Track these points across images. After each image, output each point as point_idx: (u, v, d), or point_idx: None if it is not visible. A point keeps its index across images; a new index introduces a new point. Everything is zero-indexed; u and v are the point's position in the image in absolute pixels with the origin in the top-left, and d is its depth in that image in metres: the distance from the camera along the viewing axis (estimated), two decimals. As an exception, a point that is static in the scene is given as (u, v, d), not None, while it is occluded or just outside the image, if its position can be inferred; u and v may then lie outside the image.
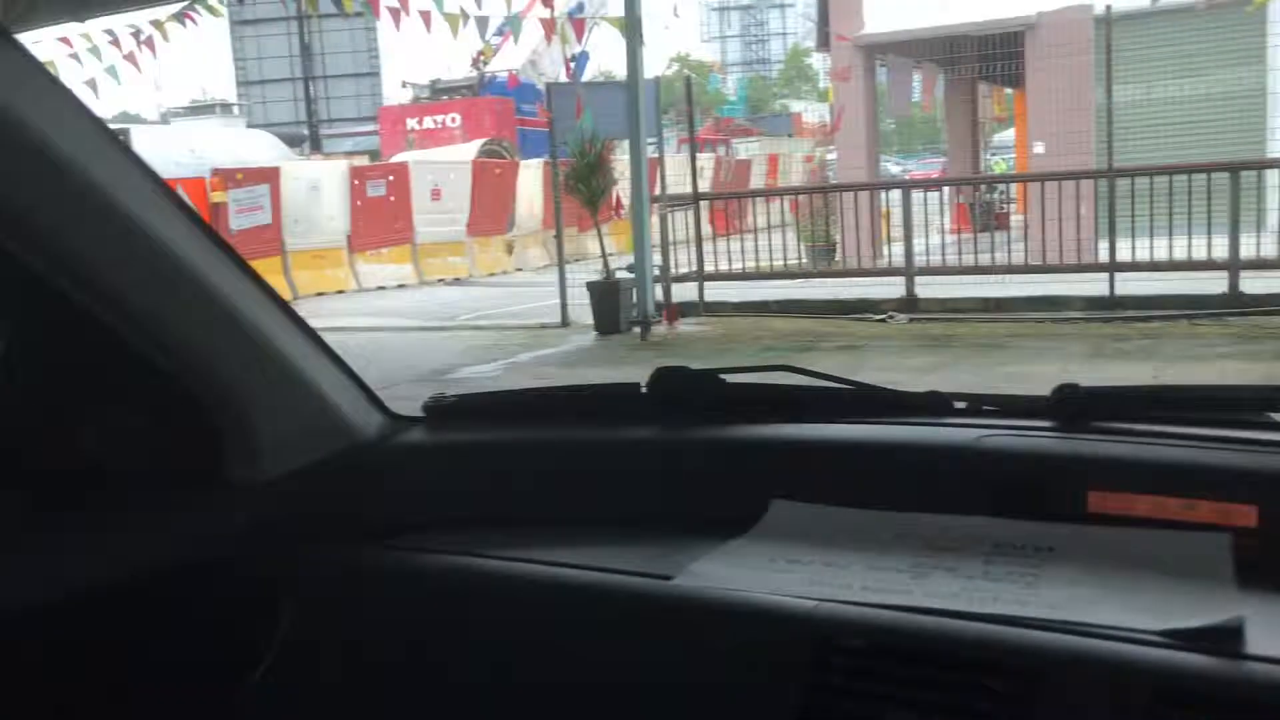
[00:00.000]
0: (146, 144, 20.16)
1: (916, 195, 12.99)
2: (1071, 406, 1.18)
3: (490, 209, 21.96)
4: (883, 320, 11.81)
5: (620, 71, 15.24)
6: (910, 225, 12.50)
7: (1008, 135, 26.10)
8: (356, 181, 20.12)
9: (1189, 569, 1.02)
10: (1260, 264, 11.15)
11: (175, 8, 12.55)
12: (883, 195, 15.67)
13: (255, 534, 1.15)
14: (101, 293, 1.02)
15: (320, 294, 17.27)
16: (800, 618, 0.97)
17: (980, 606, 0.98)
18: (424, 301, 16.91)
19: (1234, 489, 1.06)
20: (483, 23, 11.08)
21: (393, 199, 20.25)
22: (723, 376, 1.32)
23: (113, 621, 1.07)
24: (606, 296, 12.04)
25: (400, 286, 19.18)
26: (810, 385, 1.35)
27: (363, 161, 28.17)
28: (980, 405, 1.29)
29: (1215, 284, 10.89)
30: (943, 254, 13.09)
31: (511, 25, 11.97)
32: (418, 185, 20.62)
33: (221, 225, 16.20)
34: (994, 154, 27.48)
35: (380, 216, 19.96)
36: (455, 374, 10.18)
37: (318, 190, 19.07)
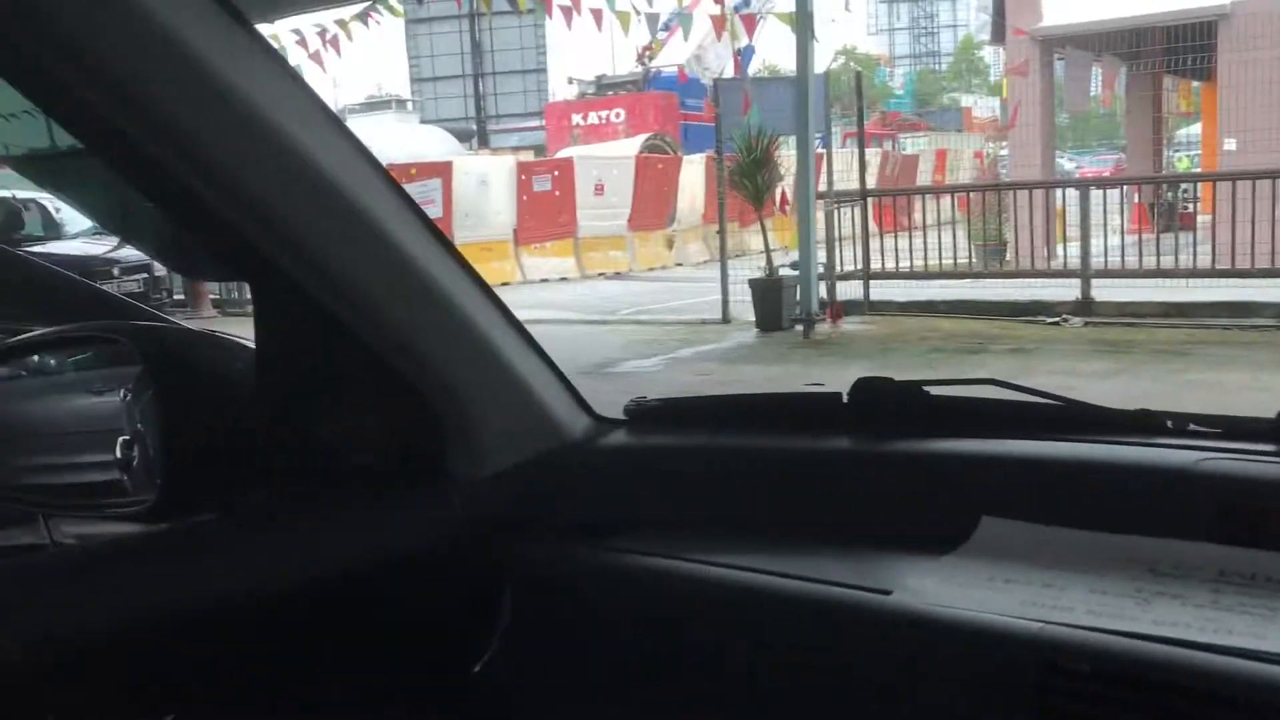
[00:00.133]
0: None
1: (1094, 194, 12.50)
2: None
3: (652, 204, 22.12)
4: (1056, 323, 11.41)
5: (784, 65, 15.11)
6: (1088, 225, 12.04)
7: (1192, 131, 24.86)
8: (523, 176, 20.56)
9: None
10: None
11: (358, 7, 13.07)
12: (1058, 193, 15.14)
13: (476, 529, 1.19)
14: (340, 290, 1.07)
15: (487, 286, 17.68)
16: (1025, 639, 0.96)
17: (1214, 637, 0.94)
18: (585, 295, 17.15)
19: None
20: (653, 19, 11.17)
21: (557, 194, 20.61)
22: (927, 389, 1.31)
23: (344, 609, 1.13)
24: (769, 293, 11.98)
25: (562, 280, 19.51)
26: (1017, 400, 1.32)
27: (528, 156, 28.77)
28: (1194, 425, 1.24)
29: None
30: (1121, 255, 12.56)
31: (681, 21, 12.02)
32: (582, 180, 20.92)
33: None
34: (1177, 150, 26.21)
35: (545, 211, 20.35)
36: (617, 368, 10.30)
37: (486, 185, 19.56)
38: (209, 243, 1.09)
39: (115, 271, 14.45)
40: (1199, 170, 20.69)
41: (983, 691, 0.96)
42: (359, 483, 1.16)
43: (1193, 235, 14.16)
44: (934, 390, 1.31)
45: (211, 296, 16.41)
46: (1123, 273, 12.14)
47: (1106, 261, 12.42)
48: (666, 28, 19.60)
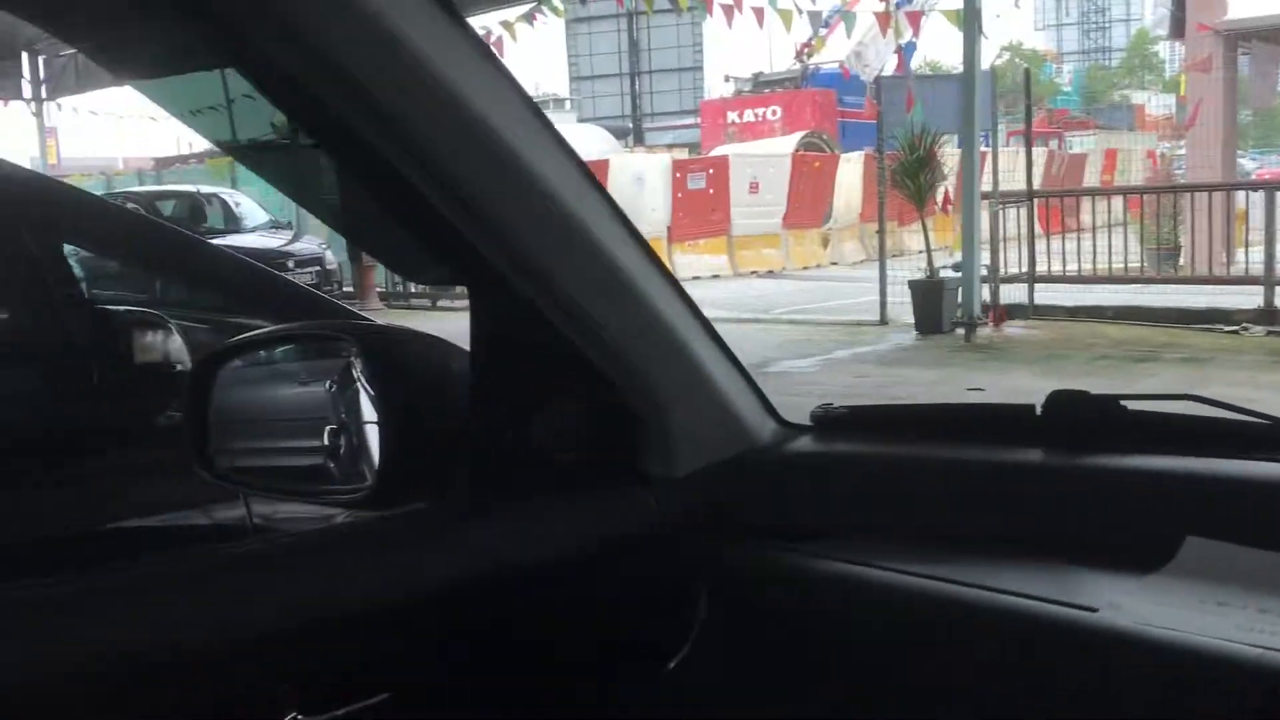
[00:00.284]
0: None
1: (1281, 196, 11.84)
2: None
3: (807, 202, 21.94)
4: (1234, 332, 10.86)
5: (945, 61, 14.76)
6: (1274, 229, 11.40)
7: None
8: (678, 174, 20.66)
9: None
10: None
11: (524, 9, 13.36)
12: (1239, 195, 14.38)
13: (670, 529, 1.22)
14: (552, 293, 1.11)
15: (641, 282, 17.83)
16: (1244, 665, 0.93)
17: None
18: (739, 293, 17.13)
19: None
20: (815, 16, 11.09)
21: (711, 191, 20.64)
22: (1124, 403, 1.28)
23: (545, 601, 1.17)
24: (929, 295, 11.75)
25: (715, 277, 19.52)
26: (1219, 417, 1.28)
27: (682, 154, 28.87)
28: None
29: None
30: (1310, 261, 11.87)
31: (844, 18, 11.89)
32: (736, 178, 20.90)
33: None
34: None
35: (699, 208, 20.40)
36: (772, 368, 10.25)
37: (641, 182, 19.73)
38: (430, 244, 1.14)
39: (290, 264, 15.12)
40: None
41: (1195, 717, 0.94)
42: (560, 479, 1.20)
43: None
44: (1131, 405, 1.28)
45: (377, 290, 17.04)
46: (1311, 279, 11.47)
47: (1293, 267, 11.76)
48: (827, 24, 19.38)
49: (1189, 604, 1.03)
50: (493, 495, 1.17)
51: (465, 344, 1.20)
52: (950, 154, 12.87)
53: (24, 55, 21.97)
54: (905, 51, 15.76)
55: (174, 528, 2.13)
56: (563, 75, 60.79)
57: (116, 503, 2.03)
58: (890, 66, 18.01)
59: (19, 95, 22.46)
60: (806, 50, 34.18)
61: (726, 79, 42.03)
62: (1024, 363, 9.97)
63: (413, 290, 16.95)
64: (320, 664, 1.05)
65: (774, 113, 34.56)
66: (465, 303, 1.22)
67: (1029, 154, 13.13)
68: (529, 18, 12.86)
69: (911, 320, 11.97)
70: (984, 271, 11.95)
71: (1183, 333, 10.98)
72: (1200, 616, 1.00)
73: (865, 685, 1.13)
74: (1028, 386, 8.56)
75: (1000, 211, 12.33)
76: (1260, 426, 1.25)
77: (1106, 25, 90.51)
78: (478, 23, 13.57)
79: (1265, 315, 11.05)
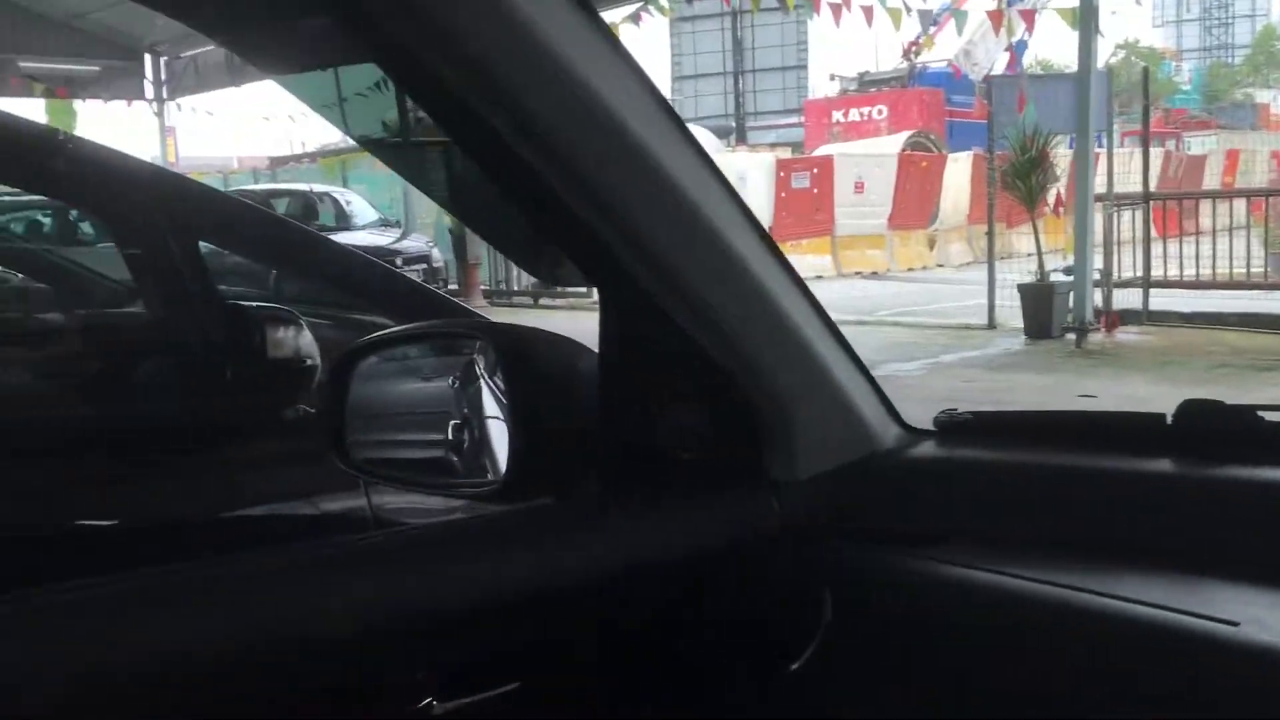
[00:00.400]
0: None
1: None
2: None
3: (913, 202, 21.63)
4: (1364, 340, 10.41)
5: (1056, 60, 14.42)
6: None
7: None
8: (781, 174, 20.55)
9: None
10: None
11: (630, 8, 13.42)
12: (1372, 198, 13.77)
13: (794, 531, 1.23)
14: (682, 294, 1.12)
15: (743, 283, 17.78)
16: None
17: None
18: (843, 294, 16.96)
19: None
20: (925, 14, 10.95)
21: (815, 191, 20.49)
22: (1260, 414, 1.24)
23: (670, 599, 1.19)
24: (1039, 299, 11.49)
25: (818, 278, 19.35)
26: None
27: (785, 153, 28.70)
28: None
29: None
30: None
31: (955, 16, 11.70)
32: (841, 178, 20.71)
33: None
34: None
35: (802, 208, 20.27)
36: (877, 370, 10.03)
37: (744, 181, 19.66)
38: (564, 244, 1.17)
39: (398, 262, 15.44)
40: None
41: None
42: (684, 479, 1.22)
43: None
44: (1268, 415, 1.25)
45: (481, 287, 17.33)
46: None
47: None
48: (936, 22, 19.08)
49: None
50: (618, 494, 1.19)
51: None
52: (1062, 155, 12.56)
53: (146, 57, 22.81)
54: (1017, 50, 15.43)
55: (298, 516, 2.20)
56: (665, 74, 60.90)
57: (250, 493, 2.11)
58: (1000, 65, 17.65)
59: (141, 95, 23.32)
60: (914, 49, 33.68)
61: (832, 78, 41.69)
62: (1138, 370, 9.69)
63: (515, 288, 17.22)
64: (454, 653, 1.08)
65: (880, 112, 34.15)
66: (566, 300, 1.24)
67: (1146, 155, 12.75)
68: (634, 18, 12.91)
69: (1020, 324, 11.71)
70: (1096, 275, 11.65)
71: (1308, 341, 10.58)
72: None
73: (989, 692, 1.12)
74: (1142, 394, 8.31)
75: (1114, 214, 12.00)
76: None
77: (1230, 21, 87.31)
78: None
79: (1399, 324, 10.57)
